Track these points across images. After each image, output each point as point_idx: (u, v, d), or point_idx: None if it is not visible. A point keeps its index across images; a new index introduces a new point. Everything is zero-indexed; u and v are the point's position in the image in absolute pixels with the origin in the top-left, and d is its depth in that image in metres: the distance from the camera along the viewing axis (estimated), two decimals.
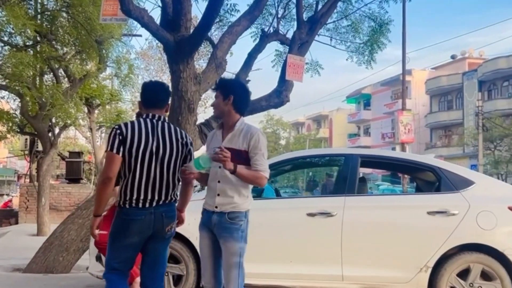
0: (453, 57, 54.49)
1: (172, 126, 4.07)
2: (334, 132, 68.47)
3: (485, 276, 5.44)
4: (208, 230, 4.12)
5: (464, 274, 5.47)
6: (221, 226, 4.01)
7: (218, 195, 4.03)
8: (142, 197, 3.90)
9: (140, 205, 3.90)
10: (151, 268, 4.08)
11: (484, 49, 51.00)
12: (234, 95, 4.10)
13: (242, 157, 3.99)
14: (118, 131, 3.87)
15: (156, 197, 3.94)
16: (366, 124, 63.53)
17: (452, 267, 5.46)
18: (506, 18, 68.90)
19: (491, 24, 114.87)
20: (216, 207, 4.03)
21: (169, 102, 4.30)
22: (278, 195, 7.45)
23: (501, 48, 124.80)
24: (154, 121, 3.99)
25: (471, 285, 5.42)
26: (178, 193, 4.13)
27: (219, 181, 4.04)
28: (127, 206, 3.89)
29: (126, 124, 3.94)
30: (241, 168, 3.94)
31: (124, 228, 3.90)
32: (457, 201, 5.62)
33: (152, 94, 4.10)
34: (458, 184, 5.76)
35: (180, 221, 4.27)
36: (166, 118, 4.13)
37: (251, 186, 4.11)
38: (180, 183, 4.13)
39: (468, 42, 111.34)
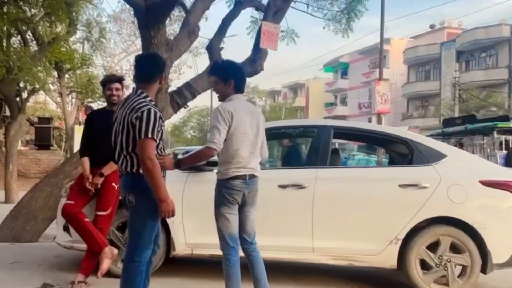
0: (432, 26, 54.43)
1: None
2: (311, 101, 68.39)
3: (454, 249, 5.51)
4: None
5: (433, 246, 5.53)
6: None
7: None
8: None
9: None
10: None
11: (463, 19, 51.21)
12: (235, 79, 4.39)
13: None
14: None
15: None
16: (343, 94, 63.59)
17: (422, 239, 5.52)
18: None
19: None
20: None
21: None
22: None
23: (480, 19, 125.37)
24: None
25: (440, 257, 5.48)
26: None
27: None
28: None
29: None
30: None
31: None
32: (428, 174, 5.64)
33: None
34: (430, 157, 5.79)
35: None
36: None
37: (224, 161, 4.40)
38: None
39: (446, 12, 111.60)
